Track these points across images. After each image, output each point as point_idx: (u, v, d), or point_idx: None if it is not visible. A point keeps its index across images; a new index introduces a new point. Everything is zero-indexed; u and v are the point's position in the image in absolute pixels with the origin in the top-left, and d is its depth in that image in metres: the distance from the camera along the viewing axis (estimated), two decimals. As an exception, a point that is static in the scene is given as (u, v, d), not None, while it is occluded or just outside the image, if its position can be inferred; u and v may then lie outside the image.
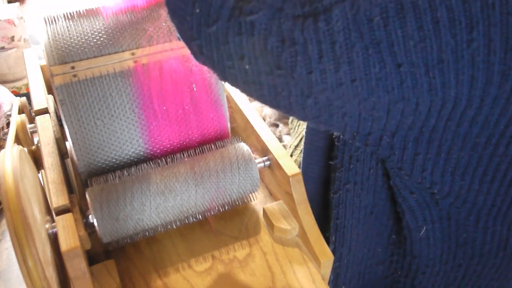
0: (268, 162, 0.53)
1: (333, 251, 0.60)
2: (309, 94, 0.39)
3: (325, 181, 0.61)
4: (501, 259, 0.57)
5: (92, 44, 0.49)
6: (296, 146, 0.87)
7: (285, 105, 0.41)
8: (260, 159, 0.53)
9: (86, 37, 0.49)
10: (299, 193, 0.50)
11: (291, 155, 0.87)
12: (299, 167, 0.66)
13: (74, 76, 0.47)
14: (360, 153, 0.54)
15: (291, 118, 0.93)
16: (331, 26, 0.35)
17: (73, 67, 0.47)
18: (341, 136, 0.54)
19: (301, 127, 0.90)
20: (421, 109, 0.41)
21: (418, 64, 0.37)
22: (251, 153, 0.51)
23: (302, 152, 0.63)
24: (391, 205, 0.58)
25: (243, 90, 0.42)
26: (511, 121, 0.44)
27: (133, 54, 0.49)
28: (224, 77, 0.41)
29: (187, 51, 0.49)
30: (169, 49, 0.50)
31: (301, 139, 0.86)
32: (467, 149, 0.46)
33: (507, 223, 0.53)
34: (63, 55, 0.48)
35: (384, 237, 0.60)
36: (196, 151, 0.51)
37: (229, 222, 0.53)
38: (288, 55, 0.36)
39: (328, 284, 0.50)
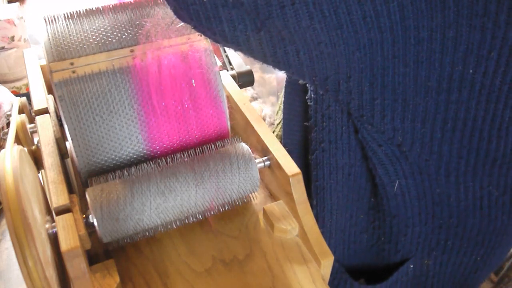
0: (268, 162, 0.53)
1: (316, 216, 0.61)
2: (261, 25, 0.41)
3: (305, 147, 0.62)
4: (479, 220, 0.57)
5: (91, 41, 0.49)
6: (278, 124, 0.89)
7: (243, 40, 0.43)
8: (260, 159, 0.53)
9: (85, 35, 0.50)
10: (299, 193, 0.50)
11: (273, 132, 0.89)
12: (280, 140, 0.67)
13: (73, 72, 0.47)
14: (331, 111, 0.55)
15: (276, 109, 0.94)
16: None
17: (72, 63, 0.47)
18: (313, 95, 0.56)
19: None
20: (362, 40, 0.42)
21: None
22: (251, 153, 0.51)
23: (282, 122, 0.64)
24: (368, 167, 0.58)
25: (207, 28, 0.44)
26: (456, 62, 0.45)
27: (132, 51, 0.49)
28: (189, 17, 0.43)
29: (186, 48, 0.50)
30: (168, 46, 0.50)
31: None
32: (421, 95, 0.48)
33: (478, 181, 0.53)
34: (62, 52, 0.48)
35: (365, 202, 0.61)
36: (196, 151, 0.51)
37: (229, 222, 0.53)
38: None
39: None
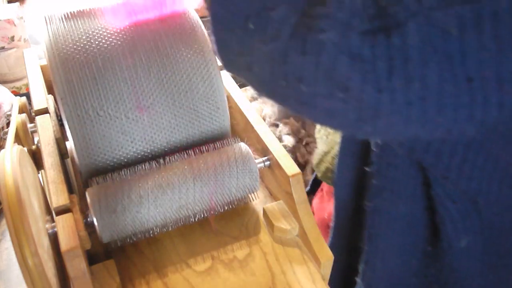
0: (268, 162, 0.53)
1: (366, 261, 0.58)
2: (375, 116, 0.35)
3: (358, 187, 0.58)
4: None
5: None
6: (327, 153, 0.84)
7: (340, 123, 0.39)
8: (260, 159, 0.53)
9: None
10: (299, 193, 0.50)
11: (321, 161, 0.85)
12: (332, 174, 0.63)
13: None
14: (399, 161, 0.51)
15: (317, 127, 0.90)
16: (406, 41, 0.32)
17: None
18: (379, 142, 0.51)
19: (332, 136, 0.87)
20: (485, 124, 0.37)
21: (490, 79, 0.34)
22: (251, 153, 0.51)
23: (337, 157, 0.60)
24: (428, 215, 0.54)
25: (293, 108, 0.39)
26: None
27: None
28: (273, 96, 0.39)
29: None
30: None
31: (332, 146, 0.83)
32: None
33: None
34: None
35: (419, 249, 0.57)
36: (196, 151, 0.51)
37: (229, 222, 0.53)
38: (358, 74, 0.33)
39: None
